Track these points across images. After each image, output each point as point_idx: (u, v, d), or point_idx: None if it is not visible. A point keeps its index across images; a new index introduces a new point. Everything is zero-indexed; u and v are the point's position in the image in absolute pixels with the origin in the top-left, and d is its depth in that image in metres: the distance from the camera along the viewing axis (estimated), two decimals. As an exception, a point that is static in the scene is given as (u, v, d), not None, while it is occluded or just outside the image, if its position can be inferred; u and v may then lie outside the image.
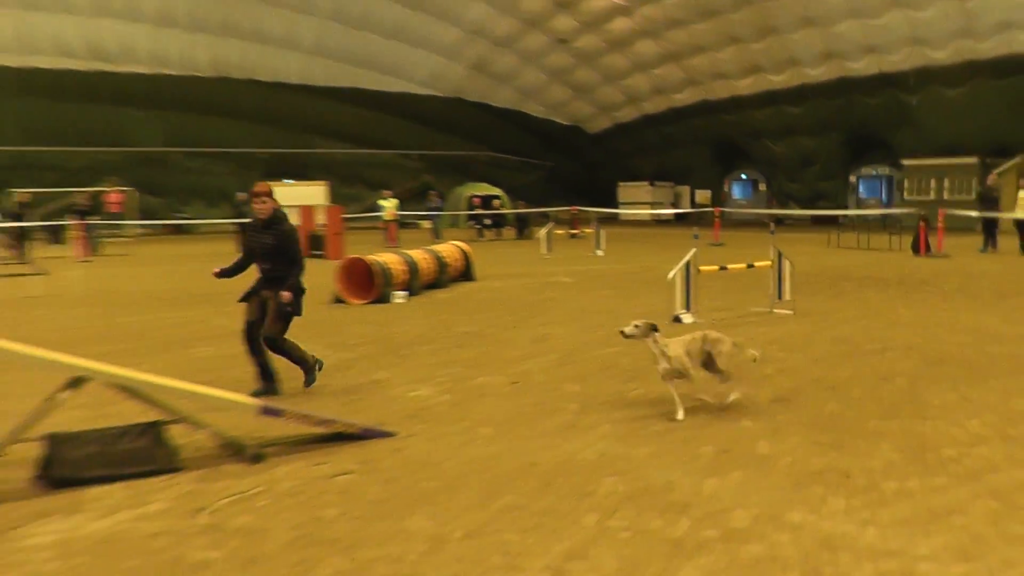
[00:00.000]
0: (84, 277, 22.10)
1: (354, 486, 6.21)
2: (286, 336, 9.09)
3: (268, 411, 7.06)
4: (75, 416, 7.49)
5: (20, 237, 30.87)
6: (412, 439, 7.35)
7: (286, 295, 8.80)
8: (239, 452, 6.79)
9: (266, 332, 8.95)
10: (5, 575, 4.91)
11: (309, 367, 9.26)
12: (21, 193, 33.07)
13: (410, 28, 51.81)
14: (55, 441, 6.42)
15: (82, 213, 31.62)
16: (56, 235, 35.77)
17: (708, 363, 8.19)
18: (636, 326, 8.01)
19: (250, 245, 9.21)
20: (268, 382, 9.01)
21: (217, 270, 9.24)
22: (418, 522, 5.52)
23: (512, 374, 9.96)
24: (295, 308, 8.98)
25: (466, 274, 20.54)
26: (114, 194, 39.60)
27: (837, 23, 44.06)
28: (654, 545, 5.11)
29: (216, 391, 7.27)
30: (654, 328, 8.06)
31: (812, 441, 7.14)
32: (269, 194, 8.99)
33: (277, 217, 8.98)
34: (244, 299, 9.10)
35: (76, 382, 6.46)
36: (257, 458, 6.72)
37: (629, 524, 5.42)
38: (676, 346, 8.05)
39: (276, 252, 8.93)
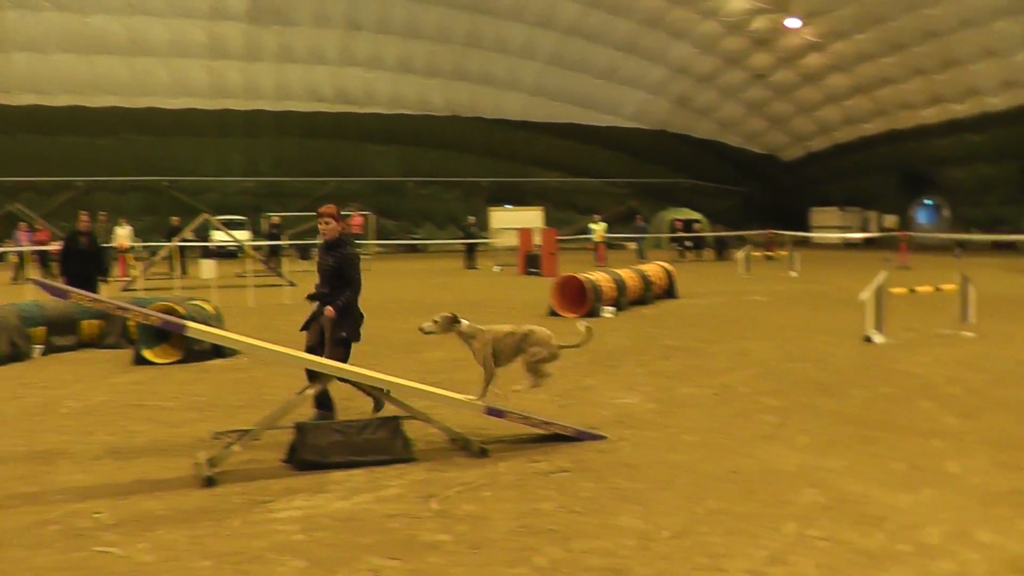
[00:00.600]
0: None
1: (569, 483, 6.15)
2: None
3: (492, 412, 7.11)
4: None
5: (273, 253, 32.60)
6: (621, 443, 7.23)
7: (329, 310, 7.85)
8: (466, 447, 6.86)
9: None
10: (258, 542, 5.09)
11: (326, 406, 7.95)
12: (274, 216, 34.88)
13: (621, 68, 52.00)
14: (303, 429, 6.64)
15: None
16: (304, 253, 37.49)
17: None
18: (435, 321, 7.39)
19: (317, 266, 8.36)
20: (325, 410, 7.95)
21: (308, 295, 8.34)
22: (628, 520, 5.41)
23: (714, 386, 9.69)
24: (350, 333, 7.96)
25: (669, 292, 20.24)
26: (356, 217, 41.19)
27: (1017, 53, 41.39)
28: (850, 555, 4.84)
29: (446, 392, 7.39)
30: (455, 321, 7.38)
31: (998, 462, 6.61)
32: (335, 216, 8.15)
33: (342, 240, 8.17)
34: (305, 327, 8.20)
35: (315, 379, 6.73)
36: (482, 453, 6.77)
37: (827, 534, 5.15)
38: (483, 341, 7.33)
39: (336, 274, 8.02)
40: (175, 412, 8.57)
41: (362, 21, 47.12)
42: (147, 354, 11.76)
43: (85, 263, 15.00)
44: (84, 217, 15.86)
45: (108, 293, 15.75)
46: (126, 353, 12.38)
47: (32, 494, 6.14)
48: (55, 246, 29.21)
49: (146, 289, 21.74)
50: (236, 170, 48.57)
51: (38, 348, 12.47)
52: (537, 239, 30.05)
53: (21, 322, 12.48)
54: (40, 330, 12.69)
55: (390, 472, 6.38)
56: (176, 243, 24.79)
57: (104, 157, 46.50)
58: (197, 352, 11.72)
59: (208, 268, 27.46)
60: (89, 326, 13.37)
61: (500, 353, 7.37)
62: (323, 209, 8.16)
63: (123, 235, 30.35)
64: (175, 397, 9.33)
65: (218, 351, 11.91)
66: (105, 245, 21.54)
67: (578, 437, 7.26)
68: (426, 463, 6.59)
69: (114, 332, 13.38)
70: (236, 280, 26.87)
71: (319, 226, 8.10)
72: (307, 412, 7.26)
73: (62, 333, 12.87)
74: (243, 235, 34.53)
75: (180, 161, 47.46)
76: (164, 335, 12.38)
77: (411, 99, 50.21)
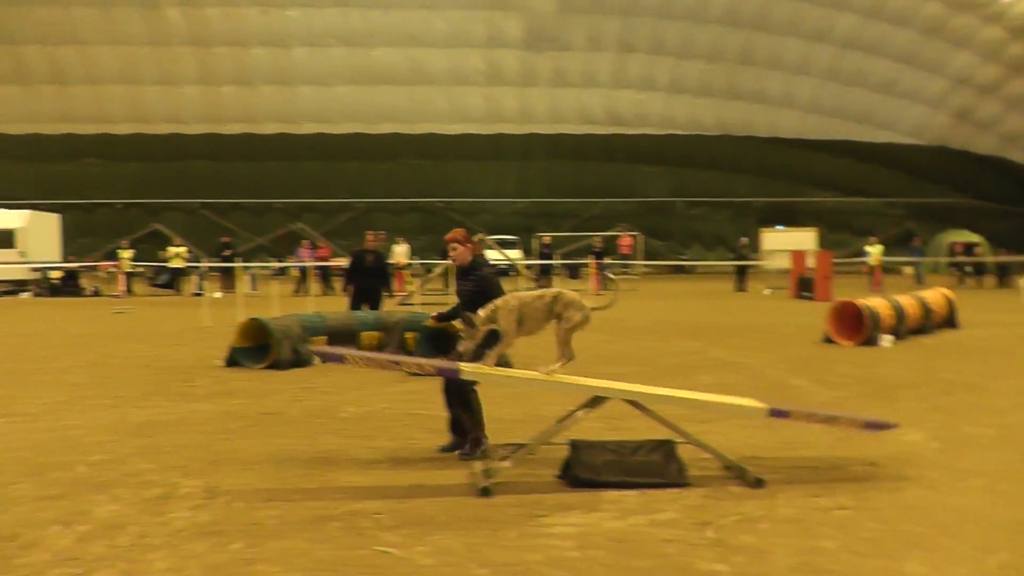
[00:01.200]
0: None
1: (851, 521, 5.82)
2: (475, 397, 7.68)
3: (777, 413, 6.86)
4: (592, 427, 7.75)
5: (545, 272, 33.29)
6: (904, 482, 6.76)
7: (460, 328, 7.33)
8: (741, 476, 6.66)
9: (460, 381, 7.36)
10: (533, 555, 5.13)
11: (478, 440, 7.53)
12: (545, 236, 35.65)
13: (899, 81, 49.33)
14: (577, 447, 6.68)
15: (597, 254, 33.37)
16: (574, 272, 38.07)
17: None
18: (465, 340, 7.01)
19: (457, 293, 8.07)
20: (458, 437, 7.69)
21: (434, 315, 8.31)
22: (914, 567, 5.03)
23: (999, 425, 8.90)
24: (474, 357, 7.19)
25: (950, 321, 18.90)
26: (625, 238, 41.45)
27: None
28: None
29: (725, 398, 7.20)
30: (471, 323, 6.89)
31: None
32: (461, 240, 7.81)
33: (476, 263, 7.84)
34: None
35: (595, 401, 6.74)
36: (758, 483, 6.53)
37: None
38: (508, 309, 6.81)
39: (477, 298, 7.47)
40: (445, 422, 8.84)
41: (635, 43, 47.45)
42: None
43: (371, 279, 15.90)
44: (371, 236, 16.80)
45: (388, 306, 16.60)
46: (405, 364, 12.97)
47: (315, 491, 6.52)
48: (336, 262, 31.38)
49: (422, 304, 22.78)
50: (509, 191, 50.16)
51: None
52: (810, 262, 29.00)
53: (303, 331, 13.39)
54: (321, 339, 13.52)
55: (663, 496, 6.29)
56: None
57: (383, 180, 49.42)
58: (471, 364, 12.11)
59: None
60: (368, 337, 14.13)
61: (527, 318, 6.84)
62: (449, 236, 7.88)
63: (400, 253, 32.00)
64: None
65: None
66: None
67: (869, 427, 6.96)
68: (700, 489, 6.44)
69: (392, 343, 14.09)
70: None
71: (449, 254, 7.88)
72: (580, 431, 7.29)
73: (342, 343, 13.64)
74: (515, 254, 35.55)
75: (456, 183, 49.62)
76: (441, 348, 12.89)
77: (682, 119, 49.87)
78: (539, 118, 49.12)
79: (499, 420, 8.92)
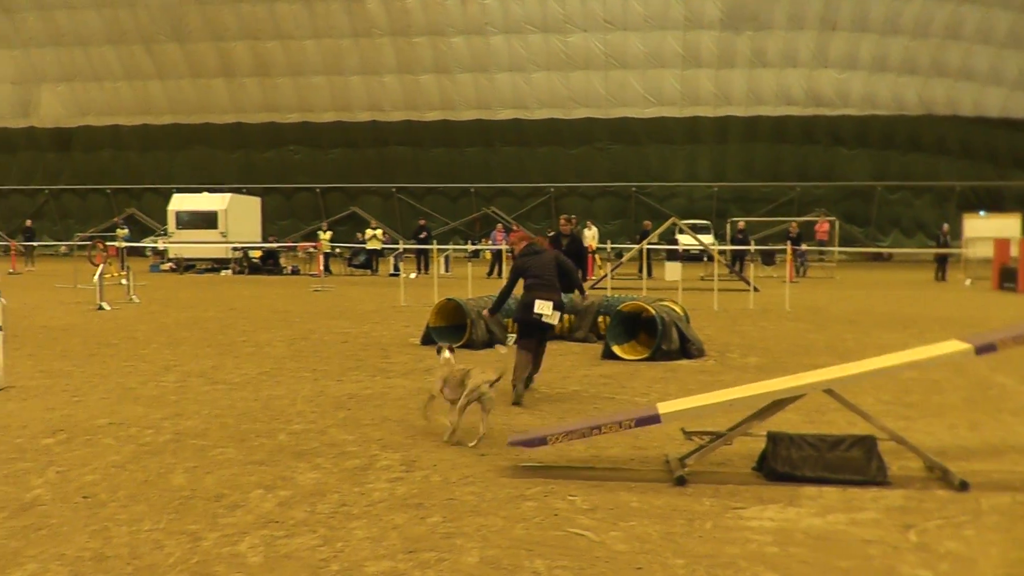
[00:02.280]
0: (761, 298, 22.52)
1: (1071, 530, 5.44)
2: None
3: (984, 349, 6.28)
4: (789, 420, 7.56)
5: (738, 258, 32.57)
6: None
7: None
8: (945, 477, 6.33)
9: None
10: (731, 548, 5.06)
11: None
12: (740, 221, 34.85)
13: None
14: (775, 440, 6.51)
15: (793, 240, 32.37)
16: (768, 258, 37.07)
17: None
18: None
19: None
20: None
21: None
22: None
23: None
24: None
25: None
26: (822, 223, 40.00)
27: None
28: None
29: (921, 351, 6.76)
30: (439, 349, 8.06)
31: None
32: (515, 241, 10.27)
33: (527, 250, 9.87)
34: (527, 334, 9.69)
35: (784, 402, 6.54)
36: (963, 486, 6.17)
37: None
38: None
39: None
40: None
41: (838, 20, 45.65)
42: (616, 349, 12.26)
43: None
44: (564, 220, 16.90)
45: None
46: (595, 347, 13.02)
47: (510, 469, 6.63)
48: None
49: (614, 289, 22.76)
50: (704, 175, 49.28)
51: (511, 337, 13.38)
52: (1014, 250, 27.16)
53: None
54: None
55: (864, 494, 6.06)
56: (644, 245, 25.67)
57: (576, 165, 49.58)
58: (665, 351, 12.02)
59: (673, 270, 28.16)
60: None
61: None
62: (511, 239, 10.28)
63: (590, 237, 32.02)
64: (644, 393, 9.62)
65: (685, 352, 12.13)
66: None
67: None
68: (902, 489, 6.16)
69: (584, 326, 14.12)
70: (700, 283, 27.34)
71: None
72: (777, 422, 7.10)
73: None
74: (708, 239, 34.93)
75: (649, 167, 49.24)
76: (632, 331, 12.86)
77: (884, 98, 47.55)
78: (736, 100, 47.98)
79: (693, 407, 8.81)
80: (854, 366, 6.90)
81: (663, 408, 6.66)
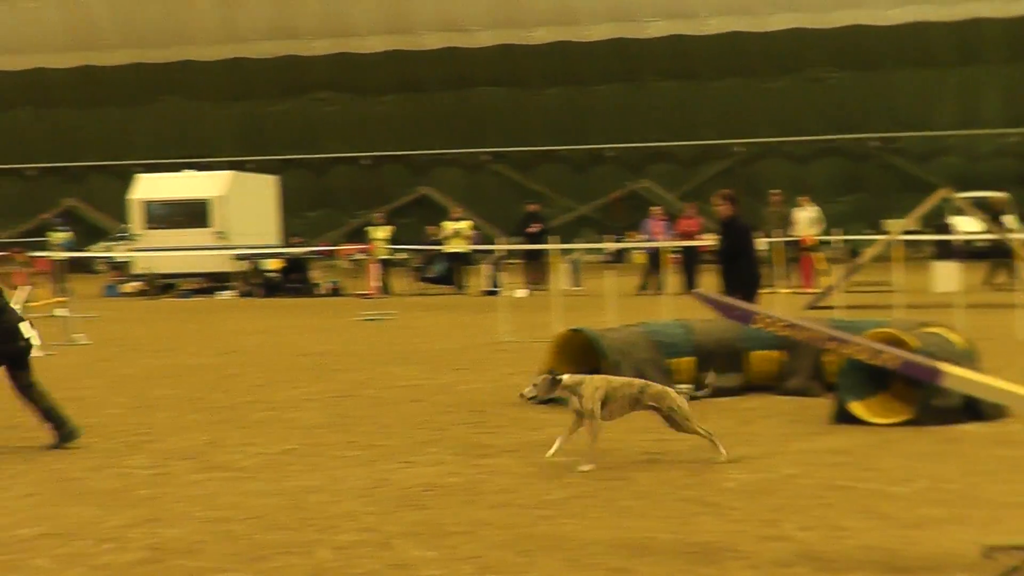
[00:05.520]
0: None
1: None
2: None
3: None
4: None
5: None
6: None
7: None
8: None
9: None
10: None
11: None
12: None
13: None
14: None
15: None
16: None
17: (667, 419, 10.13)
18: (535, 386, 10.16)
19: None
20: None
21: None
22: None
23: None
24: None
25: None
26: None
27: None
28: None
29: None
30: (555, 380, 10.05)
31: None
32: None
33: None
34: None
35: None
36: None
37: None
38: (590, 388, 9.97)
39: None
40: (906, 504, 8.67)
41: None
42: (856, 408, 12.07)
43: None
44: (723, 199, 16.78)
45: (783, 310, 16.49)
46: (821, 404, 12.83)
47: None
48: (706, 241, 30.75)
49: (849, 307, 22.40)
50: (990, 117, 48.32)
51: (684, 387, 13.16)
52: None
53: (656, 350, 13.49)
54: (686, 361, 13.59)
55: None
56: (897, 236, 25.26)
57: (776, 105, 49.48)
58: (938, 410, 11.73)
59: (947, 275, 27.56)
60: (762, 360, 14.07)
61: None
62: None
63: (805, 222, 31.58)
64: (905, 480, 9.45)
65: (973, 411, 11.84)
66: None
67: None
68: None
69: (801, 371, 13.92)
70: (991, 296, 26.67)
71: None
72: None
73: (721, 368, 13.36)
74: (1011, 221, 34.06)
75: (896, 107, 48.45)
76: (881, 380, 12.62)
77: None
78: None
79: (982, 502, 8.66)
80: None
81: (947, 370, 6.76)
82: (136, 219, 37.41)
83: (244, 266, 36.03)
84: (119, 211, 41.55)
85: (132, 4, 52.11)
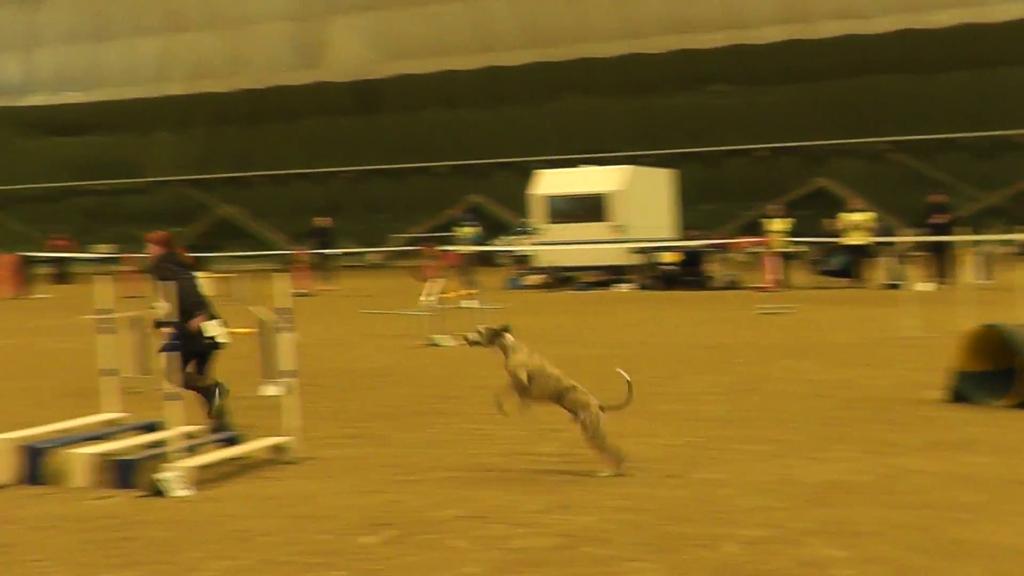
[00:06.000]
0: None
1: None
2: None
3: None
4: None
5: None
6: None
7: None
8: None
9: None
10: None
11: None
12: None
13: None
14: None
15: None
16: None
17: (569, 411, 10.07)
18: (479, 333, 10.28)
19: None
20: None
21: None
22: None
23: None
24: None
25: None
26: None
27: None
28: None
29: None
30: (497, 333, 10.21)
31: None
32: None
33: None
34: None
35: None
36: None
37: None
38: (519, 358, 10.04)
39: None
40: None
41: None
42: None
43: None
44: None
45: None
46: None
47: None
48: None
49: None
50: None
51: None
52: None
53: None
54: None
55: None
56: None
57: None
58: None
59: None
60: None
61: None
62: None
63: None
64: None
65: None
66: None
67: None
68: None
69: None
70: None
71: None
72: None
73: None
74: None
75: None
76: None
77: None
78: None
79: None
80: None
81: None
82: (537, 214, 38.33)
83: (641, 259, 36.33)
84: (519, 206, 42.44)
85: (533, 5, 53.31)
